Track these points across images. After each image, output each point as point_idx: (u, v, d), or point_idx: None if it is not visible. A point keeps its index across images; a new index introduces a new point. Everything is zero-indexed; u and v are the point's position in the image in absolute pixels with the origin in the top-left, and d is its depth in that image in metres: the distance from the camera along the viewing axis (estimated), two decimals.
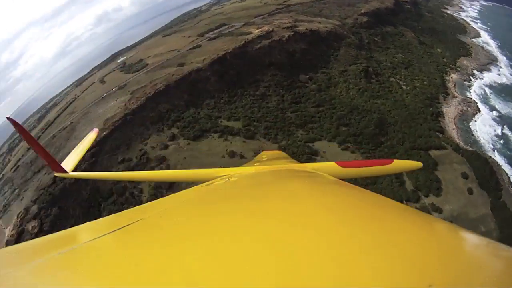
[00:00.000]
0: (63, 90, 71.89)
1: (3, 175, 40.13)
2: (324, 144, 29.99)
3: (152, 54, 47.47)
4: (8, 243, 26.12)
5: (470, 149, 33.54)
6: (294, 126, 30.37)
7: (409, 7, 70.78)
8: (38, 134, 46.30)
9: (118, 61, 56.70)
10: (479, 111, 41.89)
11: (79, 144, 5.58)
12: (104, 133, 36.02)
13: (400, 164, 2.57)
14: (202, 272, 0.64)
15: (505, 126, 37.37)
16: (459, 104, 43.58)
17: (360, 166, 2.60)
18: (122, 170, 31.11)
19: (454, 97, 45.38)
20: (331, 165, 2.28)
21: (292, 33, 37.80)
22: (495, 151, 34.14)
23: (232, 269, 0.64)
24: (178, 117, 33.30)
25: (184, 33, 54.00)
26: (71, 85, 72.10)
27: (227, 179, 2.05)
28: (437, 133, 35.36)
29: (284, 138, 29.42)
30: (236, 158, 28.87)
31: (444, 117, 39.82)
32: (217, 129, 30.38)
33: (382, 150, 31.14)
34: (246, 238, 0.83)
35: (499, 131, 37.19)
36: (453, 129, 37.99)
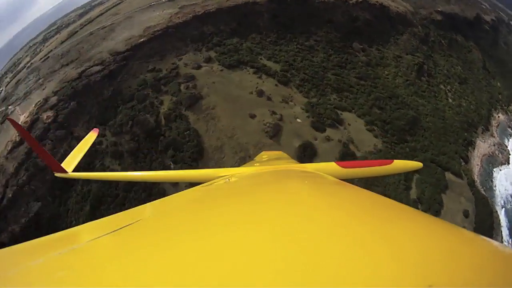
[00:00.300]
0: None
1: (31, 63, 40.88)
2: (351, 117, 29.23)
3: None
4: None
5: (483, 193, 31.70)
6: (330, 88, 29.41)
7: (488, 28, 64.23)
8: (76, 29, 46.35)
9: None
10: (509, 163, 39.28)
11: (79, 144, 5.57)
12: (142, 39, 35.87)
13: (400, 165, 2.55)
14: (202, 273, 0.64)
15: None
16: (494, 145, 40.92)
17: (360, 166, 2.55)
18: (149, 79, 31.37)
19: (492, 136, 42.64)
20: (331, 166, 2.30)
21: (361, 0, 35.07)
22: (503, 209, 32.07)
23: (233, 270, 0.63)
24: (220, 42, 32.57)
25: None
26: None
27: (228, 180, 2.03)
28: (461, 160, 33.85)
29: (316, 96, 28.68)
30: (263, 98, 28.60)
31: (474, 149, 37.76)
32: (254, 65, 29.69)
33: (404, 148, 30.21)
34: (246, 239, 0.81)
35: None
36: (477, 165, 36.11)
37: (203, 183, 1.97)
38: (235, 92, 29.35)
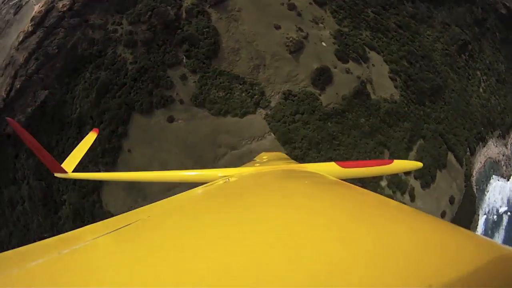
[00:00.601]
0: None
1: None
2: (378, 59, 28.00)
3: None
4: (32, 19, 26.44)
5: (474, 191, 30.96)
6: (365, 24, 27.96)
7: None
8: None
9: None
10: (508, 180, 37.45)
11: (79, 145, 5.66)
12: None
13: (400, 165, 2.60)
14: (202, 273, 0.64)
15: (509, 213, 33.18)
16: (503, 155, 38.91)
17: (360, 166, 2.58)
18: None
19: (505, 145, 40.42)
20: (331, 166, 2.31)
21: None
22: (485, 216, 31.66)
23: (232, 270, 0.63)
24: None
25: None
26: None
27: (227, 180, 2.00)
28: (468, 149, 32.56)
29: (349, 26, 27.37)
30: (293, 12, 27.40)
31: (484, 146, 35.99)
32: None
33: (419, 111, 29.06)
34: (246, 240, 0.81)
35: (502, 209, 33.31)
36: (480, 162, 34.62)
37: (203, 183, 1.98)
38: (265, 0, 28.10)
